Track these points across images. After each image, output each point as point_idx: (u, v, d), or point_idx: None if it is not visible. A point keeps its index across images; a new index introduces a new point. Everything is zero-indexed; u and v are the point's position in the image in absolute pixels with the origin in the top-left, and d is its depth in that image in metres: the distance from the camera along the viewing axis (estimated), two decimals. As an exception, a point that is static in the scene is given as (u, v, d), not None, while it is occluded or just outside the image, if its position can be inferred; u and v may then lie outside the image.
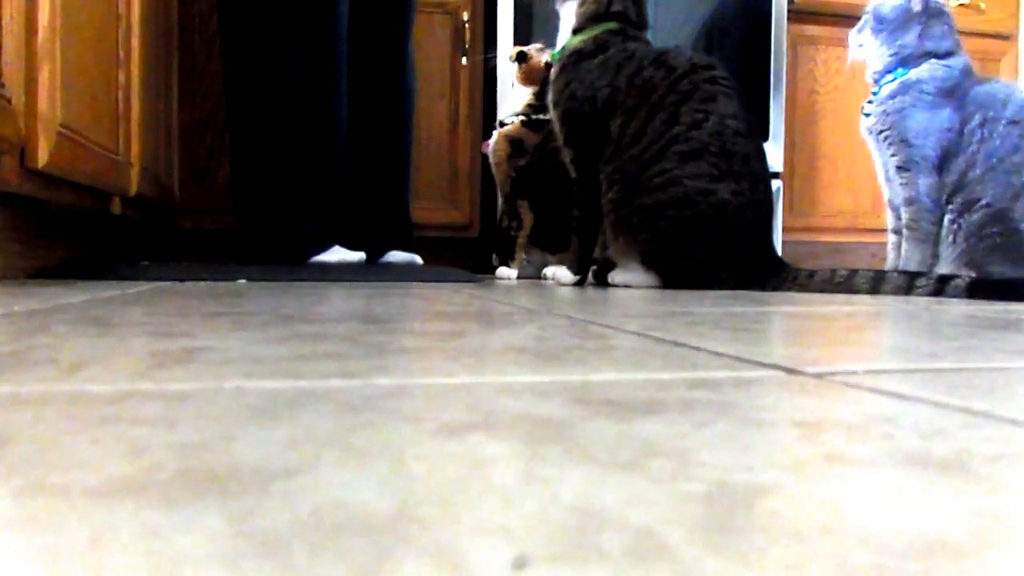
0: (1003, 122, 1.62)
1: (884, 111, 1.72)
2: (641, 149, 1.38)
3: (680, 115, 1.37)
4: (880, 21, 1.76)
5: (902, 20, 1.74)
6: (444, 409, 0.31)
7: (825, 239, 2.70)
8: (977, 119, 1.64)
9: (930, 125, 1.66)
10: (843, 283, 1.29)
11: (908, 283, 1.25)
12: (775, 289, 1.34)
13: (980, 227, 1.60)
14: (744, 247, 1.38)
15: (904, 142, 1.68)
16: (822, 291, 1.29)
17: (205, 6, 2.07)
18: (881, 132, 1.73)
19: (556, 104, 1.51)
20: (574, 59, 1.49)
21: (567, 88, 1.48)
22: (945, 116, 1.66)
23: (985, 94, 1.66)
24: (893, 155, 1.71)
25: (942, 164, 1.66)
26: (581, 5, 1.52)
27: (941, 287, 1.22)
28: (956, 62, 1.71)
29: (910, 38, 1.73)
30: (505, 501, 0.20)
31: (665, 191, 1.35)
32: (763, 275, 1.37)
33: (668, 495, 0.20)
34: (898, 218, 1.74)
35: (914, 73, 1.70)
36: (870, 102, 1.78)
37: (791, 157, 2.62)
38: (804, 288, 1.32)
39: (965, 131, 1.64)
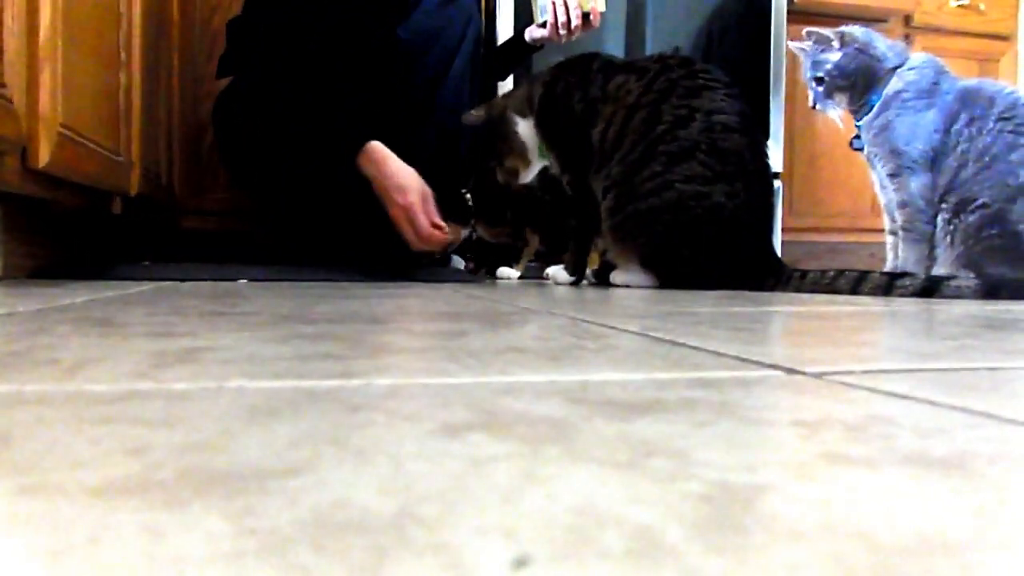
0: (992, 119, 1.62)
1: (873, 133, 1.73)
2: (626, 151, 1.37)
3: (662, 113, 1.35)
4: (833, 84, 1.76)
5: (848, 67, 1.73)
6: (444, 409, 0.31)
7: (825, 239, 2.70)
8: (963, 118, 1.64)
9: (916, 129, 1.67)
10: (829, 283, 1.29)
11: (888, 283, 1.24)
12: (771, 290, 1.33)
13: (978, 228, 1.60)
14: (741, 249, 1.37)
15: (894, 152, 1.69)
16: (812, 291, 1.29)
17: (206, 7, 2.07)
18: (872, 150, 1.74)
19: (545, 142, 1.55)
20: (547, 95, 1.53)
21: (548, 123, 1.51)
22: (930, 118, 1.66)
23: (968, 92, 1.66)
24: (884, 164, 1.71)
25: (933, 164, 1.66)
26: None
27: (929, 287, 1.21)
28: (918, 61, 1.72)
29: (867, 70, 1.73)
30: (505, 501, 0.20)
31: (659, 196, 1.33)
32: (761, 276, 1.36)
33: (668, 494, 0.20)
34: (893, 220, 1.75)
35: (889, 87, 1.71)
36: (857, 137, 1.79)
37: (791, 157, 2.62)
38: (797, 289, 1.32)
39: (952, 131, 1.64)
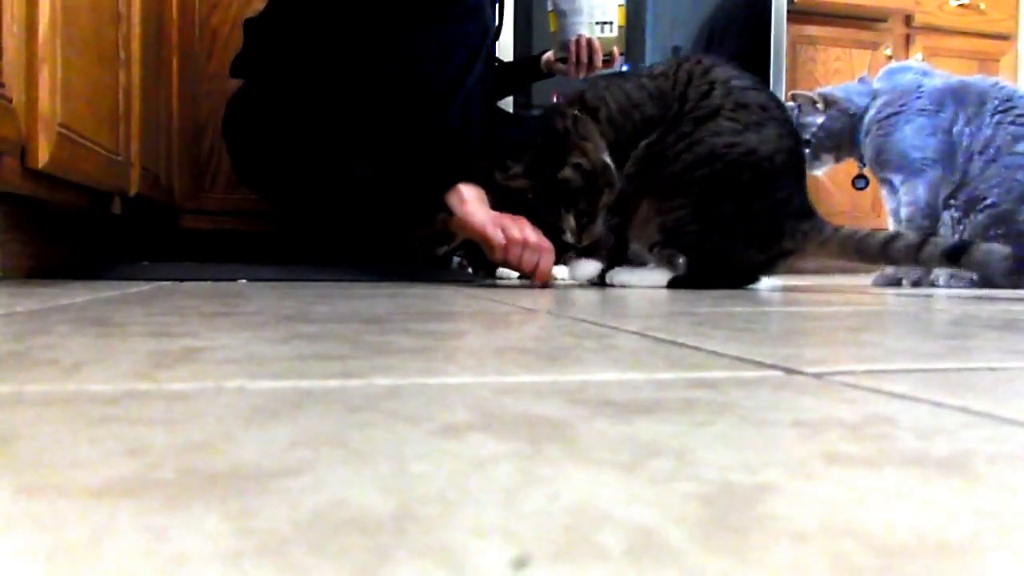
0: (988, 113, 1.63)
1: (873, 163, 1.78)
2: (657, 131, 1.40)
3: (687, 97, 1.39)
4: (820, 146, 1.80)
5: (834, 128, 1.78)
6: (444, 409, 0.31)
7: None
8: (961, 118, 1.66)
9: (907, 138, 1.70)
10: (860, 242, 1.31)
11: (918, 245, 1.26)
12: (805, 236, 1.36)
13: (985, 227, 1.60)
14: (781, 194, 1.38)
15: (899, 167, 1.72)
16: (840, 251, 1.33)
17: (205, 6, 2.07)
18: (881, 175, 1.79)
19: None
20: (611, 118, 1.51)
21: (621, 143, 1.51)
22: (920, 123, 1.69)
23: (957, 92, 1.68)
24: (895, 177, 1.75)
25: (942, 166, 1.68)
26: None
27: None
28: (887, 84, 1.78)
29: (850, 128, 1.77)
30: (505, 501, 0.20)
31: (690, 151, 1.35)
32: (797, 220, 1.37)
33: (668, 495, 0.20)
34: (898, 223, 1.77)
35: (867, 119, 1.76)
36: (859, 177, 1.84)
37: (791, 157, 2.61)
38: (823, 242, 1.35)
39: (954, 132, 1.66)
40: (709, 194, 1.35)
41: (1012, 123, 1.61)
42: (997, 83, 1.69)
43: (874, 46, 2.74)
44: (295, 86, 1.56)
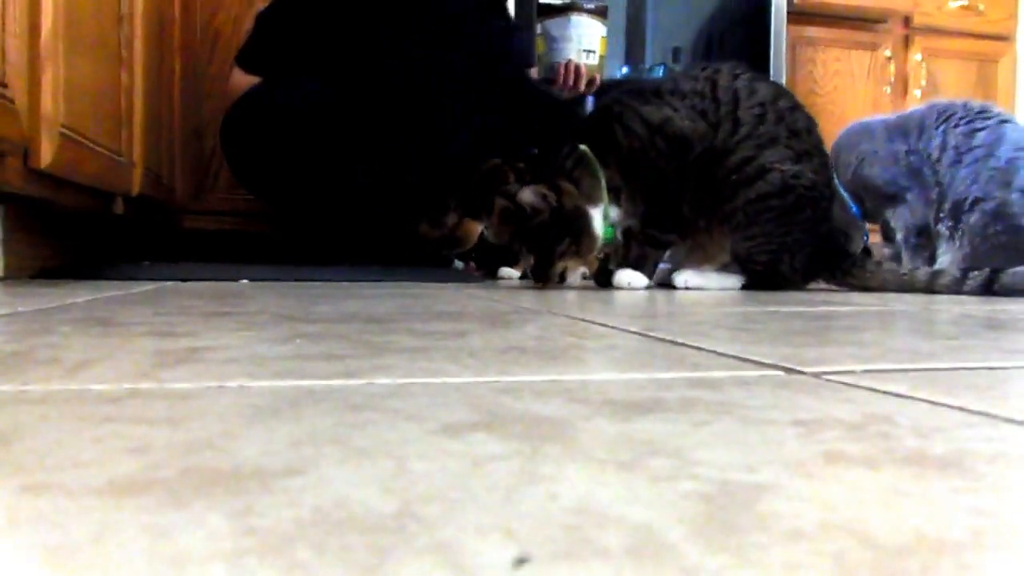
0: (932, 128, 1.69)
1: (871, 214, 1.80)
2: (716, 149, 1.37)
3: (740, 120, 1.36)
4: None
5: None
6: (445, 408, 0.31)
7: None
8: (912, 143, 1.70)
9: (879, 175, 1.75)
10: (901, 278, 1.34)
11: (960, 279, 1.29)
12: (846, 272, 1.38)
13: (983, 227, 1.60)
14: (824, 228, 1.40)
15: (884, 202, 1.75)
16: (882, 284, 1.36)
17: (208, 7, 2.07)
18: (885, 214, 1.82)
19: None
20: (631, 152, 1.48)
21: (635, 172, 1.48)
22: (881, 155, 1.75)
23: (900, 127, 1.75)
24: (887, 215, 1.78)
25: (916, 183, 1.71)
26: None
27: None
28: (832, 154, 1.82)
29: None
30: (506, 500, 0.20)
31: (764, 179, 1.33)
32: (836, 262, 1.40)
33: (668, 494, 0.21)
34: (885, 248, 1.82)
35: (836, 181, 1.80)
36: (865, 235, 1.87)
37: (792, 158, 2.61)
38: (865, 279, 1.37)
39: (910, 157, 1.70)
40: (782, 225, 1.35)
41: (956, 127, 1.65)
42: (933, 105, 1.74)
43: (873, 47, 2.74)
44: (301, 80, 1.58)
